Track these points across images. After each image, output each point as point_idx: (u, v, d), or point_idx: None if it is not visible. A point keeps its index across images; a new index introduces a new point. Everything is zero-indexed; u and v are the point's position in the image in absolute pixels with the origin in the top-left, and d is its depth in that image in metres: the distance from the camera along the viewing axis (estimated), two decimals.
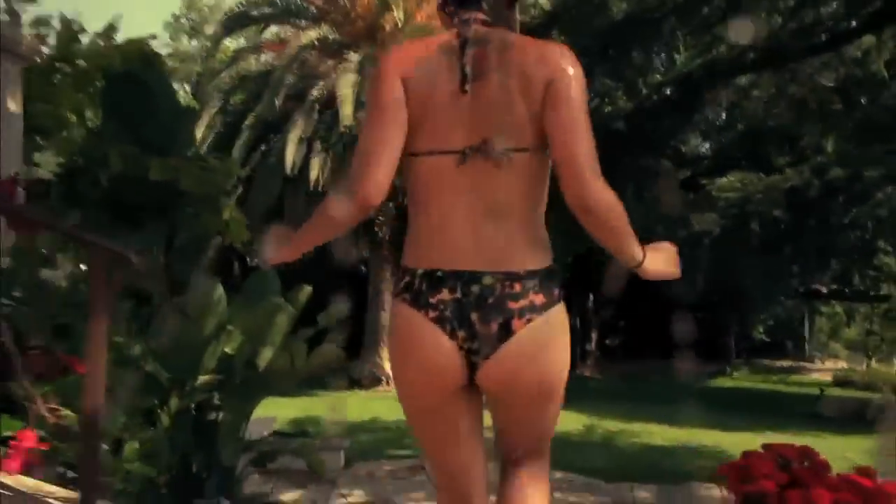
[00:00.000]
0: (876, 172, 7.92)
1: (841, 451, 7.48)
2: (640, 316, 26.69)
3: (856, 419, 13.14)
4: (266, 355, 4.80)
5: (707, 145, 18.82)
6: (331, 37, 17.27)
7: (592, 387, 19.83)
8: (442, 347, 1.96)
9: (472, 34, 1.91)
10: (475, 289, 1.93)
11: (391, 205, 17.33)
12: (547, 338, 1.97)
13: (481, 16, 1.96)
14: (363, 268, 20.43)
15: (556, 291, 2.00)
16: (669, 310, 25.63)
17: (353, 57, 16.20)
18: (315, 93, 16.39)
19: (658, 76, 10.37)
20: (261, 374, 4.80)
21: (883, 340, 25.95)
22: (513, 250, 1.96)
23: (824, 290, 23.50)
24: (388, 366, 18.16)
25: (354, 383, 18.32)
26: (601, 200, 1.89)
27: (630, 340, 30.22)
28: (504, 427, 2.17)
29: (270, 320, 4.76)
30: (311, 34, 16.91)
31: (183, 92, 23.74)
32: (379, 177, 1.93)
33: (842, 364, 26.88)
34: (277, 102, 16.23)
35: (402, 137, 1.95)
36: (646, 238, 2.10)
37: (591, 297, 25.79)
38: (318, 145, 16.26)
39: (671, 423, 12.52)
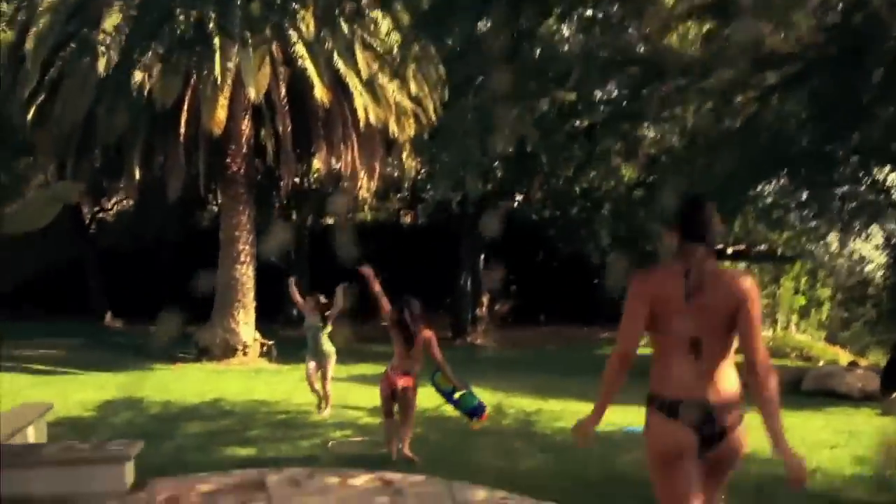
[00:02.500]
0: None
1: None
2: (534, 278, 24.31)
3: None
4: None
5: None
6: None
7: (489, 357, 17.29)
8: (689, 435, 3.26)
9: (695, 264, 3.26)
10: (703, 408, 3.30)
11: (242, 140, 14.10)
12: (742, 437, 3.33)
13: (702, 249, 3.27)
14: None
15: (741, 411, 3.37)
16: (569, 272, 23.81)
17: None
18: None
19: None
20: None
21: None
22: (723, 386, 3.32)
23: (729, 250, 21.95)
24: (245, 332, 14.91)
25: (203, 353, 15.00)
26: (763, 364, 3.22)
27: (522, 305, 27.83)
28: (709, 486, 3.37)
29: None
30: None
31: None
32: (631, 343, 3.36)
33: None
34: None
35: (642, 324, 3.34)
36: None
37: (482, 257, 23.17)
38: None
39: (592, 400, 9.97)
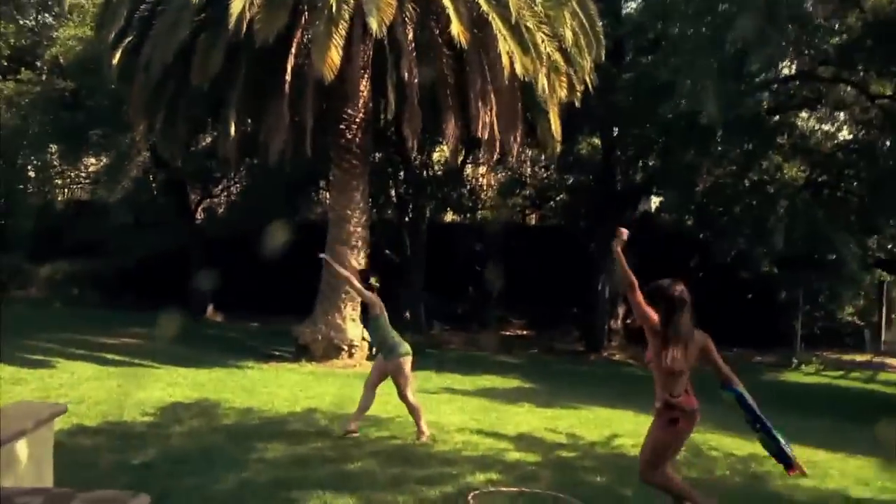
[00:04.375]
0: None
1: None
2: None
3: None
4: None
5: None
6: None
7: (635, 376, 14.30)
8: None
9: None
10: None
11: (360, 90, 11.72)
12: None
13: None
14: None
15: None
16: (720, 282, 20.32)
17: None
18: None
19: None
20: None
21: None
22: None
23: None
24: (352, 330, 12.48)
25: (303, 352, 12.64)
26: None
27: None
28: None
29: None
30: None
31: None
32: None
33: None
34: None
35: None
36: None
37: None
38: None
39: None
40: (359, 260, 12.88)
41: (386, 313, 7.19)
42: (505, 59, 10.57)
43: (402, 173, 20.30)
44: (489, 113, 11.35)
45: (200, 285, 20.29)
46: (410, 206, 20.73)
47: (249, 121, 12.75)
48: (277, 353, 13.44)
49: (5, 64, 19.57)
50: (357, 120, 12.26)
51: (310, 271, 17.36)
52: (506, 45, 10.57)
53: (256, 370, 11.49)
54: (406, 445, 6.62)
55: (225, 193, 24.31)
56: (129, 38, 11.47)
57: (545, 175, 23.70)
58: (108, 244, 19.99)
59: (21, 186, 22.99)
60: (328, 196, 21.87)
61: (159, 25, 11.22)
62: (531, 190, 23.87)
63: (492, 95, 11.34)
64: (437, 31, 11.39)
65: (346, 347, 12.57)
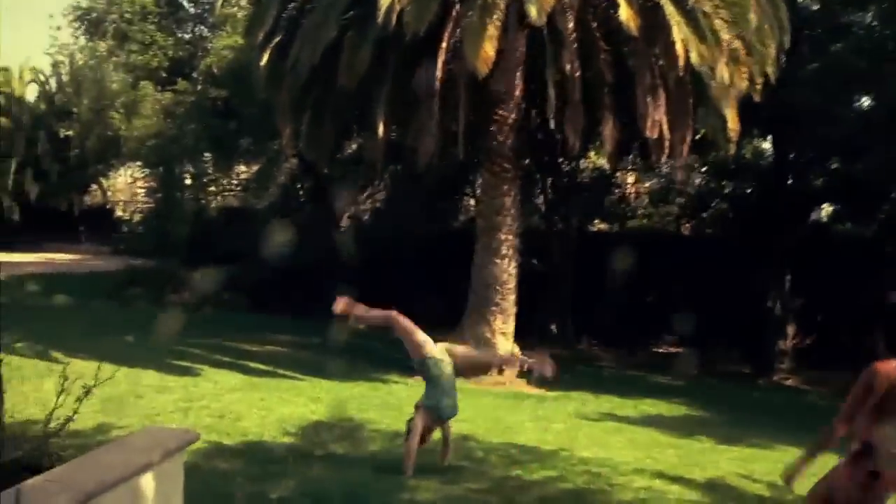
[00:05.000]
0: None
1: None
2: (846, 308, 18.69)
3: None
4: None
5: None
6: None
7: (819, 406, 12.70)
8: None
9: None
10: None
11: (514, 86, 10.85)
12: None
13: None
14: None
15: None
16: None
17: None
18: None
19: None
20: None
21: None
22: None
23: None
24: (503, 344, 11.64)
25: None
26: None
27: (828, 340, 22.12)
28: None
29: None
30: None
31: None
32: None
33: None
34: None
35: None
36: None
37: (788, 279, 18.10)
38: None
39: None
40: (509, 270, 12.02)
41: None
42: (679, 48, 9.39)
43: (550, 179, 19.30)
44: (658, 110, 10.19)
45: (344, 293, 20.05)
46: (557, 215, 19.72)
47: (393, 126, 12.24)
48: None
49: (164, 75, 20.19)
50: (510, 120, 11.41)
51: (455, 281, 16.72)
52: (680, 31, 9.40)
53: (401, 385, 10.84)
54: (580, 490, 5.64)
55: (370, 201, 24.22)
56: (278, 39, 11.16)
57: (701, 181, 22.09)
58: (256, 250, 20.21)
59: (178, 194, 23.80)
60: (473, 203, 21.29)
61: (307, 24, 10.84)
62: (685, 198, 22.31)
63: (662, 90, 10.18)
64: (595, 20, 10.36)
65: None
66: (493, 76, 9.87)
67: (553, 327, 18.82)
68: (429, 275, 17.93)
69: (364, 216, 24.70)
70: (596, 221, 22.97)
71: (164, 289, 19.72)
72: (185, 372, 10.27)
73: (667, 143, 10.52)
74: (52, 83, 33.63)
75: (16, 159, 31.60)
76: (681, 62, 9.48)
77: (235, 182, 25.01)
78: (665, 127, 10.40)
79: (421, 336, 6.17)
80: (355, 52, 9.96)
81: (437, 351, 6.07)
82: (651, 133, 10.15)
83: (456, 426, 7.93)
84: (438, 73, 9.64)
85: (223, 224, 23.01)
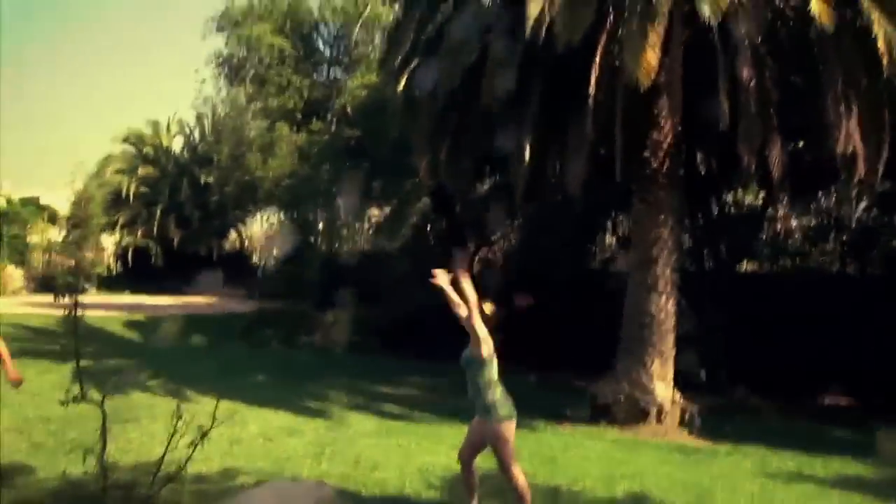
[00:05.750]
0: None
1: None
2: None
3: None
4: None
5: None
6: None
7: None
8: None
9: None
10: None
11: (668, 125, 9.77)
12: None
13: None
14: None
15: None
16: None
17: None
18: None
19: None
20: None
21: None
22: None
23: None
24: (661, 390, 10.39)
25: (601, 413, 10.68)
26: None
27: None
28: None
29: None
30: None
31: None
32: None
33: None
34: None
35: None
36: None
37: None
38: None
39: None
40: (667, 309, 10.78)
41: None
42: (881, 45, 8.05)
43: (700, 213, 17.85)
44: (850, 121, 8.81)
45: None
46: (705, 252, 18.19)
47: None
48: (568, 414, 11.62)
49: (299, 116, 20.31)
50: (666, 144, 10.29)
51: (598, 320, 15.47)
52: (881, 25, 8.07)
53: (551, 434, 9.76)
54: None
55: (502, 242, 23.44)
56: (415, 64, 10.58)
57: (864, 215, 19.95)
58: (388, 293, 19.78)
59: (311, 239, 23.87)
60: (615, 237, 20.05)
61: (445, 46, 10.20)
62: (846, 234, 20.19)
63: (853, 98, 8.81)
64: (777, 20, 9.16)
65: (653, 411, 10.42)
66: (653, 91, 8.82)
67: (702, 373, 17.25)
68: (570, 317, 16.80)
69: (496, 257, 23.93)
70: (745, 260, 21.21)
71: (295, 331, 19.52)
72: (316, 414, 9.62)
73: (861, 161, 9.06)
74: (196, 134, 35.18)
75: (161, 206, 33.02)
76: (884, 62, 8.12)
77: (367, 225, 24.89)
78: (857, 142, 8.98)
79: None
80: (499, 70, 9.16)
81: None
82: (845, 148, 8.75)
83: (623, 482, 6.80)
84: (591, 90, 8.69)
85: (355, 267, 22.84)
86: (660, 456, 8.68)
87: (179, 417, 3.86)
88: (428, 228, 22.58)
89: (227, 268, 34.49)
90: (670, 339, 10.84)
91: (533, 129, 9.45)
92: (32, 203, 33.32)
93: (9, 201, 32.62)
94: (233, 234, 36.76)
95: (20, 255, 29.14)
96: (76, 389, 3.77)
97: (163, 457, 3.97)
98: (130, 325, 18.38)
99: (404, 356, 18.43)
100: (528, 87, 9.46)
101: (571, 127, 9.37)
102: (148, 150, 34.93)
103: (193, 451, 3.99)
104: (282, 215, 26.44)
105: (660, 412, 10.43)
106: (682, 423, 10.74)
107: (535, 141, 9.50)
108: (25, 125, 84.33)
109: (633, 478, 6.96)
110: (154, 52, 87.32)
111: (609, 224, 20.01)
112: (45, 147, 78.07)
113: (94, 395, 5.62)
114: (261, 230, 36.97)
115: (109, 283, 31.45)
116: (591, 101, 8.91)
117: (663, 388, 10.57)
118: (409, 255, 20.95)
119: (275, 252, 33.69)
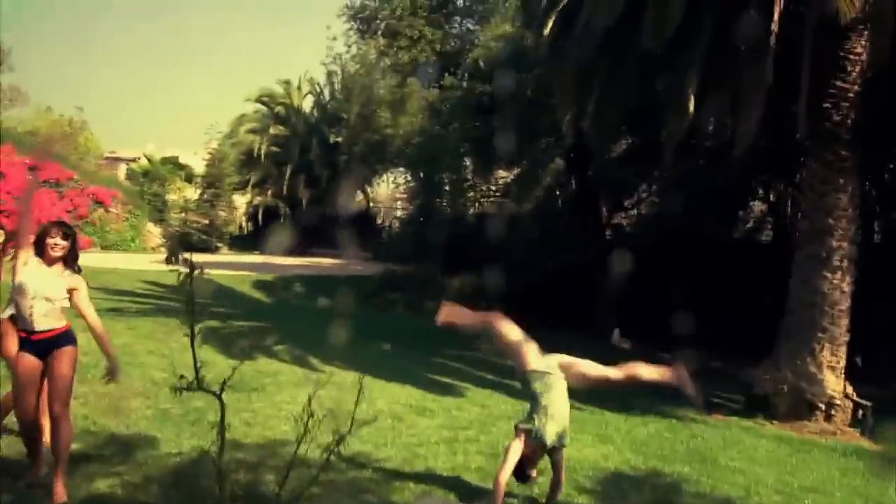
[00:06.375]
0: None
1: None
2: None
3: None
4: None
5: None
6: None
7: None
8: None
9: None
10: None
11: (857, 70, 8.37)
12: None
13: None
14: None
15: None
16: None
17: None
18: None
19: None
20: None
21: None
22: None
23: None
24: (832, 382, 9.14)
25: (759, 405, 9.54)
26: None
27: None
28: None
29: None
30: None
31: None
32: None
33: None
34: None
35: None
36: None
37: None
38: None
39: None
40: (842, 287, 9.43)
41: None
42: None
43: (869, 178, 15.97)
44: None
45: (604, 308, 18.20)
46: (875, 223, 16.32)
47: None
48: (718, 402, 10.49)
49: (430, 72, 19.62)
50: (851, 93, 8.88)
51: (752, 299, 14.10)
52: None
53: (702, 425, 8.72)
54: None
55: (635, 209, 22.10)
56: (563, 4, 9.57)
57: None
58: (516, 258, 18.95)
59: (437, 199, 23.27)
60: (764, 208, 18.36)
61: None
62: None
63: None
64: None
65: (822, 406, 9.19)
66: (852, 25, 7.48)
67: (857, 359, 15.56)
68: (714, 288, 15.45)
69: (629, 223, 22.63)
70: None
71: (420, 295, 19.06)
72: (446, 390, 8.98)
73: None
74: (326, 92, 35.19)
75: (291, 166, 33.31)
76: None
77: (494, 188, 24.06)
78: None
79: (525, 345, 5.30)
80: (661, 6, 8.02)
81: (543, 363, 5.20)
82: None
83: (803, 495, 5.77)
84: (775, 25, 7.44)
85: (481, 230, 22.13)
86: (837, 462, 7.52)
87: (311, 416, 3.24)
88: (557, 193, 21.53)
89: (352, 229, 34.65)
90: (844, 323, 9.50)
91: (699, 74, 8.26)
92: (172, 162, 34.42)
93: (150, 160, 33.82)
94: (359, 195, 36.81)
95: (159, 212, 30.12)
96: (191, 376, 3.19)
97: (293, 457, 3.40)
98: (258, 285, 18.43)
99: (536, 326, 17.62)
100: (697, 22, 8.24)
101: (745, 70, 8.10)
102: (279, 109, 35.27)
103: (329, 457, 3.42)
104: (408, 176, 25.99)
105: (829, 407, 9.17)
106: (854, 421, 9.44)
107: (699, 89, 8.35)
108: (169, 88, 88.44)
109: (816, 491, 5.91)
110: (286, 9, 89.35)
111: (761, 188, 18.38)
112: (186, 106, 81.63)
113: (218, 363, 5.16)
114: (387, 191, 36.85)
115: (240, 243, 32.13)
116: (772, 37, 7.64)
117: (834, 380, 9.29)
118: (538, 219, 20.04)
119: (399, 213, 33.49)
